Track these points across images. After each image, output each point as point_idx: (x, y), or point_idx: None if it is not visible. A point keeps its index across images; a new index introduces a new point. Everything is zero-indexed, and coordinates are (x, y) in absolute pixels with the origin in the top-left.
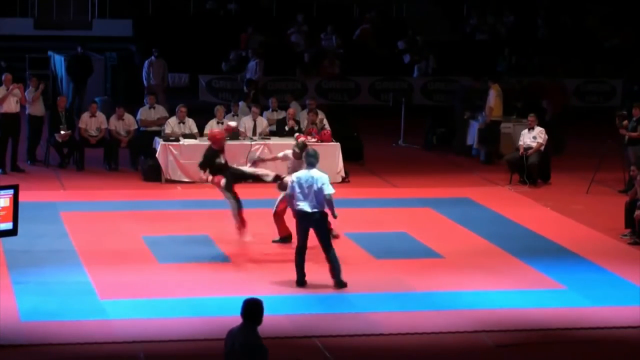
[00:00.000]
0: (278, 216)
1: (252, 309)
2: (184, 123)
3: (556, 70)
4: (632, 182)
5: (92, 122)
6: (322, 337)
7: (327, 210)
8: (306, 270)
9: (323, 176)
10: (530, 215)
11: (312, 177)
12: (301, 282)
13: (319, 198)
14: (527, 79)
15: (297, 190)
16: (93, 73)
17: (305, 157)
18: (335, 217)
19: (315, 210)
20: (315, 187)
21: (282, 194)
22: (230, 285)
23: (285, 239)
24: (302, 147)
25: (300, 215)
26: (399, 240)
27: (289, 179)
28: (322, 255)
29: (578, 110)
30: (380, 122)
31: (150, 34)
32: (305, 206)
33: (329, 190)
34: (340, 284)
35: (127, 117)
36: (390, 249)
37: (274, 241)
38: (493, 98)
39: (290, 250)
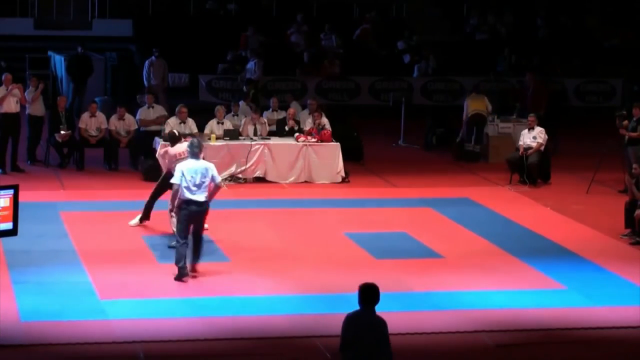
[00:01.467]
0: None
1: (369, 293)
2: (184, 123)
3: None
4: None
5: (92, 122)
6: (322, 337)
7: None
8: (306, 270)
9: (212, 166)
10: (530, 215)
11: (202, 167)
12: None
13: (209, 188)
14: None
15: (187, 180)
16: (93, 73)
17: (189, 147)
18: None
19: (206, 200)
20: (207, 177)
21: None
22: (230, 285)
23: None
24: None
25: (191, 204)
26: (399, 240)
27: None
28: (322, 255)
29: (578, 110)
30: (380, 122)
31: (150, 34)
32: (198, 196)
33: (220, 179)
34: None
35: (128, 117)
36: (390, 249)
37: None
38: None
39: (291, 250)
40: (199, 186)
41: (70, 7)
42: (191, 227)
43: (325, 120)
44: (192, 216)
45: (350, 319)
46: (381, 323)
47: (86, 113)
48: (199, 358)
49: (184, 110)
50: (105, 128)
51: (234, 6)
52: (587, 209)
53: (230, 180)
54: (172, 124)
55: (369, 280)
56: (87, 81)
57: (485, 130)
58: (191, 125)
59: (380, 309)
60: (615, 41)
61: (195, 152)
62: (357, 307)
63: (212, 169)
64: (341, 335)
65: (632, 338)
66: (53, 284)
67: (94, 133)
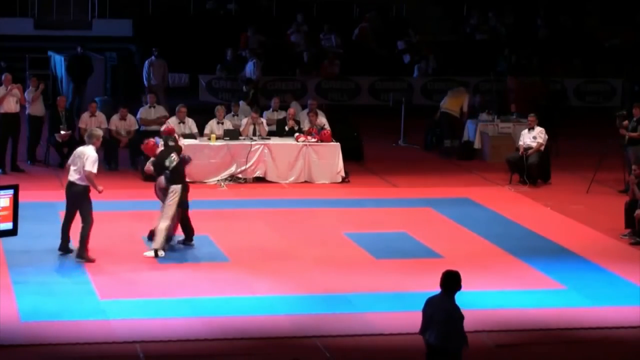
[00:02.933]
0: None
1: (451, 279)
2: (184, 123)
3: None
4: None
5: (92, 122)
6: (322, 337)
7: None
8: (306, 270)
9: (90, 155)
10: (530, 215)
11: (83, 153)
12: (66, 247)
13: (81, 172)
14: (527, 79)
15: (71, 162)
16: (93, 73)
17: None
18: (99, 191)
19: (80, 183)
20: (83, 161)
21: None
22: (230, 285)
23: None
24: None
25: (67, 185)
26: (399, 240)
27: None
28: (322, 255)
29: (578, 110)
30: (380, 122)
31: (150, 34)
32: (72, 177)
33: (88, 167)
34: (81, 254)
35: (129, 117)
36: (390, 249)
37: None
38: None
39: (291, 250)
40: (76, 170)
41: (70, 7)
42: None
43: (324, 121)
44: (67, 196)
45: (429, 301)
46: (455, 310)
47: (86, 113)
48: (199, 358)
49: (183, 109)
50: (105, 128)
51: (234, 6)
52: (587, 209)
53: (230, 180)
54: (172, 124)
55: (369, 280)
56: (87, 81)
57: (485, 130)
58: (191, 125)
59: (380, 309)
60: (615, 41)
61: (86, 141)
62: (357, 307)
63: (88, 156)
64: (422, 316)
65: (632, 338)
66: (53, 284)
67: None
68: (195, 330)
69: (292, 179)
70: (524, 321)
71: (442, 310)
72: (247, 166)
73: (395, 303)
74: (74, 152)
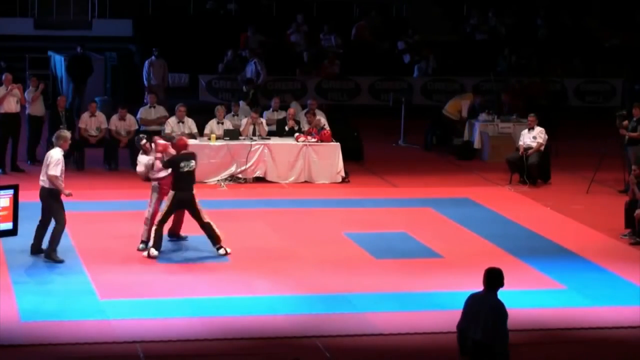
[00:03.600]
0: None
1: (494, 276)
2: (183, 122)
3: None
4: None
5: (92, 122)
6: (322, 337)
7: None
8: (306, 270)
9: (52, 157)
10: (530, 215)
11: (48, 155)
12: (37, 249)
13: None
14: (527, 79)
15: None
16: (93, 73)
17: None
18: (66, 194)
19: (43, 185)
20: (46, 164)
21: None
22: (230, 285)
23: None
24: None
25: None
26: (399, 240)
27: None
28: (322, 255)
29: (578, 110)
30: (380, 122)
31: (150, 34)
32: (40, 180)
33: (50, 171)
34: (49, 254)
35: (129, 117)
36: (390, 249)
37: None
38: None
39: (291, 250)
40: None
41: (70, 7)
42: None
43: (323, 121)
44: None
45: (473, 298)
46: (500, 306)
47: (86, 113)
48: (199, 358)
49: (182, 109)
50: (105, 128)
51: (234, 6)
52: (587, 209)
53: (230, 180)
54: (172, 124)
55: (369, 280)
56: (87, 81)
57: (485, 130)
58: (190, 124)
59: (380, 309)
60: (615, 41)
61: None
62: (357, 307)
63: (50, 158)
64: (462, 312)
65: (632, 338)
66: (53, 283)
67: (93, 133)
68: (195, 330)
69: (292, 179)
70: (524, 321)
71: (488, 307)
72: (247, 166)
73: (395, 303)
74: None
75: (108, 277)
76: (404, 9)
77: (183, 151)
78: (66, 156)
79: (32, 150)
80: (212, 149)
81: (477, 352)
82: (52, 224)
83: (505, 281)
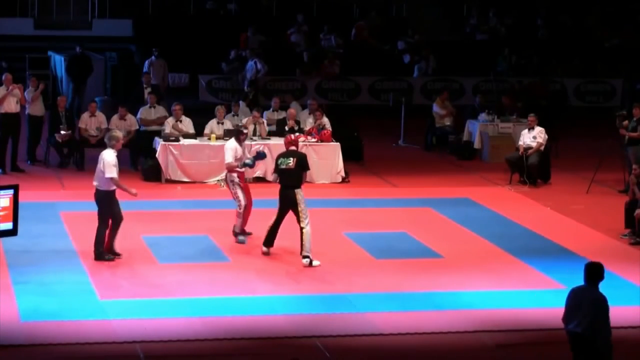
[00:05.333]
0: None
1: (595, 270)
2: (181, 121)
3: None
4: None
5: (92, 122)
6: (322, 337)
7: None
8: (306, 270)
9: (106, 159)
10: (530, 215)
11: (101, 157)
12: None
13: (99, 176)
14: (527, 79)
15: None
16: (92, 73)
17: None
18: (132, 194)
19: (98, 188)
20: (100, 166)
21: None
22: (230, 285)
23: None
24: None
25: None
26: (399, 240)
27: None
28: (322, 255)
29: (578, 110)
30: (380, 122)
31: (150, 34)
32: (94, 182)
33: (107, 174)
34: (99, 255)
35: (129, 117)
36: (390, 249)
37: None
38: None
39: (291, 250)
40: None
41: (70, 7)
42: None
43: (325, 120)
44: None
45: (574, 292)
46: (602, 300)
47: (86, 113)
48: (199, 358)
49: (177, 108)
50: (105, 128)
51: (234, 6)
52: (587, 209)
53: None
54: (171, 124)
55: (369, 280)
56: (86, 81)
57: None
58: (187, 124)
59: (380, 309)
60: (615, 41)
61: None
62: (357, 307)
63: (105, 161)
64: (565, 306)
65: (632, 338)
66: (53, 284)
67: (93, 133)
68: (195, 330)
69: None
70: (524, 321)
71: (590, 300)
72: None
73: (395, 303)
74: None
75: (108, 277)
76: (404, 9)
77: (290, 148)
78: (66, 156)
79: (32, 150)
80: (212, 149)
81: (578, 345)
82: (93, 224)
83: (506, 281)
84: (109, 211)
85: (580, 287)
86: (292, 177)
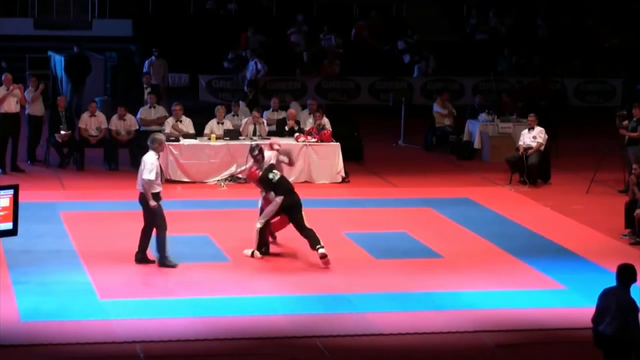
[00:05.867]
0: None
1: (627, 272)
2: (181, 121)
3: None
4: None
5: (92, 122)
6: (322, 337)
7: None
8: (306, 270)
9: (147, 162)
10: (530, 215)
11: (143, 160)
12: (141, 258)
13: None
14: (527, 79)
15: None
16: (91, 72)
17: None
18: (151, 206)
19: (140, 190)
20: (141, 169)
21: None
22: (230, 285)
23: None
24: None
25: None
26: (399, 240)
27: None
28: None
29: (578, 110)
30: (380, 122)
31: (150, 34)
32: (138, 186)
33: (145, 175)
34: (161, 263)
35: (129, 117)
36: (390, 249)
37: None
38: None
39: (290, 250)
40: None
41: (70, 7)
42: None
43: (325, 120)
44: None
45: (605, 292)
46: (631, 303)
47: (86, 113)
48: (199, 358)
49: (177, 108)
50: (105, 128)
51: (234, 6)
52: (587, 209)
53: (230, 180)
54: (171, 124)
55: (369, 280)
56: (85, 80)
57: (485, 130)
58: (187, 124)
59: (380, 309)
60: (615, 41)
61: (147, 146)
62: (357, 307)
63: (146, 163)
64: (595, 307)
65: None
66: (53, 284)
67: (93, 133)
68: (195, 330)
69: (292, 179)
70: (524, 321)
71: (620, 302)
72: (247, 166)
73: (395, 303)
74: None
75: (108, 277)
76: (403, 9)
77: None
78: (66, 156)
79: (32, 150)
80: (212, 149)
81: (609, 346)
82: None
83: (506, 281)
84: (160, 213)
85: (611, 288)
86: (289, 182)
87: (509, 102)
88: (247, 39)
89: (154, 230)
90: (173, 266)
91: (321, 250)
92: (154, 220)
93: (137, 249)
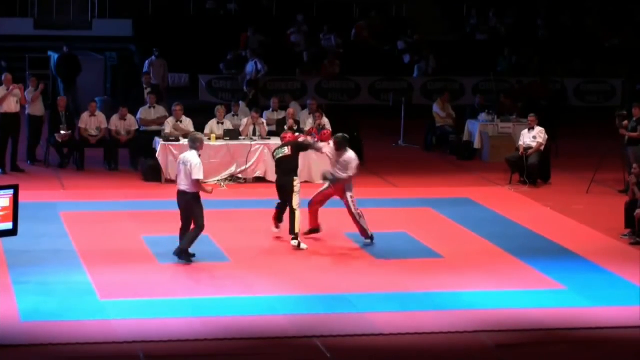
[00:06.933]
0: (312, 207)
1: None
2: (181, 122)
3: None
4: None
5: (92, 122)
6: (322, 337)
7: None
8: (306, 270)
9: (193, 161)
10: (530, 215)
11: (187, 159)
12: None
13: (189, 180)
14: (527, 79)
15: (177, 169)
16: (81, 72)
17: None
18: (209, 192)
19: (189, 190)
20: (188, 168)
21: (323, 186)
22: (230, 285)
23: (313, 230)
24: (341, 140)
25: (178, 193)
26: (399, 240)
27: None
28: (322, 255)
29: (578, 110)
30: (380, 122)
31: (150, 34)
32: (181, 186)
33: (195, 175)
34: (181, 253)
35: (129, 117)
36: (390, 249)
37: (304, 233)
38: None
39: (291, 250)
40: (181, 176)
41: (70, 7)
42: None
43: (325, 120)
44: (179, 204)
45: None
46: None
47: (86, 113)
48: (199, 358)
49: (178, 108)
50: (105, 128)
51: (234, 6)
52: (587, 209)
53: (230, 180)
54: (171, 124)
55: (369, 280)
56: (76, 80)
57: (485, 130)
58: (188, 124)
59: (380, 309)
60: (615, 41)
61: (190, 145)
62: (357, 307)
63: (192, 163)
64: None
65: (632, 338)
66: (53, 284)
67: (93, 133)
68: (195, 330)
69: None
70: (524, 321)
71: None
72: (247, 166)
73: (395, 303)
74: (179, 158)
75: (108, 277)
76: (404, 9)
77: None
78: (66, 156)
79: (32, 150)
80: (212, 149)
81: None
82: None
83: (506, 281)
84: (201, 211)
85: None
86: (289, 164)
87: (507, 104)
88: (247, 39)
89: (198, 223)
90: (188, 261)
91: (293, 242)
92: (197, 217)
93: (184, 244)
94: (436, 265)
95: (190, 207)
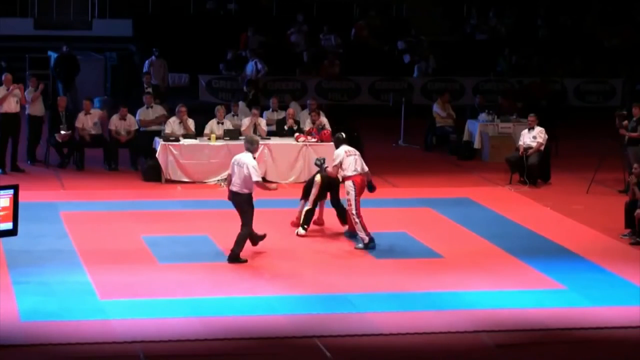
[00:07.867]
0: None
1: None
2: (181, 123)
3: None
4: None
5: (88, 120)
6: (322, 337)
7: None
8: (306, 270)
9: (250, 164)
10: (530, 215)
11: (243, 162)
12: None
13: (245, 180)
14: (527, 79)
15: (231, 170)
16: (79, 72)
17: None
18: (273, 189)
19: (242, 191)
20: (244, 171)
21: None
22: (230, 285)
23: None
24: (336, 139)
25: (231, 194)
26: (399, 240)
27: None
28: (322, 255)
29: (578, 110)
30: (380, 122)
31: (150, 34)
32: (234, 187)
33: (255, 178)
34: (233, 257)
35: (129, 117)
36: (390, 249)
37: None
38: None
39: (291, 250)
40: (237, 177)
41: (70, 7)
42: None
43: (324, 120)
44: (234, 205)
45: None
46: None
47: (81, 112)
48: (199, 358)
49: (183, 109)
50: (101, 115)
51: (234, 6)
52: (587, 209)
53: None
54: (172, 124)
55: (369, 280)
56: (74, 80)
57: (485, 130)
58: (190, 124)
59: (380, 309)
60: (615, 41)
61: (246, 147)
62: (357, 307)
63: (249, 164)
64: None
65: (632, 338)
66: (53, 284)
67: (92, 131)
68: (195, 330)
69: (292, 179)
70: (524, 321)
71: None
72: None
73: (395, 303)
74: (233, 160)
75: (108, 277)
76: (404, 9)
77: None
78: (66, 156)
79: (32, 150)
80: (212, 149)
81: None
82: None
83: (506, 281)
84: (252, 213)
85: None
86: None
87: (506, 105)
88: (247, 39)
89: (247, 224)
90: (244, 261)
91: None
92: (247, 218)
93: (236, 248)
94: (436, 265)
95: (243, 208)
